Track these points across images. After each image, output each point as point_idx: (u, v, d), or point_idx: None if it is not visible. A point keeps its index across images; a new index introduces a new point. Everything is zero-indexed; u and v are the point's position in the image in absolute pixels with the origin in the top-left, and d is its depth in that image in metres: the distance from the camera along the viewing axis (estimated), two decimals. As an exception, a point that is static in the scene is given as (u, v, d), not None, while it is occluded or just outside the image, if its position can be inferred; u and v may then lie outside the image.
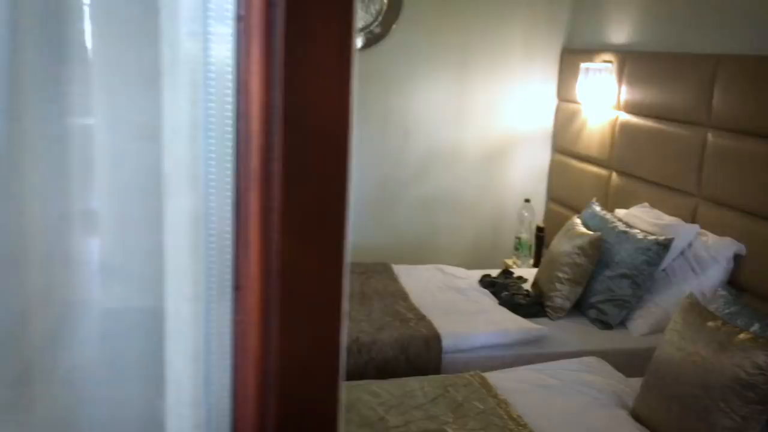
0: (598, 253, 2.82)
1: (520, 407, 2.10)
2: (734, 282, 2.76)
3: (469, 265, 3.58)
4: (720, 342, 1.86)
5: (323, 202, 0.60)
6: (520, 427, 1.99)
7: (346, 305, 0.62)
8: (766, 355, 1.74)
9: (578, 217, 3.14)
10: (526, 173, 4.34)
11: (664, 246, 2.76)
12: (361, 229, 4.18)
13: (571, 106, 4.12)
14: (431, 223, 4.24)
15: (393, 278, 3.17)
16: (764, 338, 1.83)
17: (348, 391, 2.15)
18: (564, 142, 4.22)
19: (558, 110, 4.29)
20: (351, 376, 2.41)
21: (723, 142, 2.95)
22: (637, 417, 2.07)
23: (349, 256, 0.62)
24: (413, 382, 2.26)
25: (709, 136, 3.02)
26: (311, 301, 0.62)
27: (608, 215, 3.06)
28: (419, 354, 2.55)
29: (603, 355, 2.59)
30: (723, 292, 2.18)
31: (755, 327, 1.96)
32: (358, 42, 3.97)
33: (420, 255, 3.98)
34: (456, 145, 4.18)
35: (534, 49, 4.19)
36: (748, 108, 2.81)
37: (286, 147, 0.57)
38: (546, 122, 4.32)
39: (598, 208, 3.14)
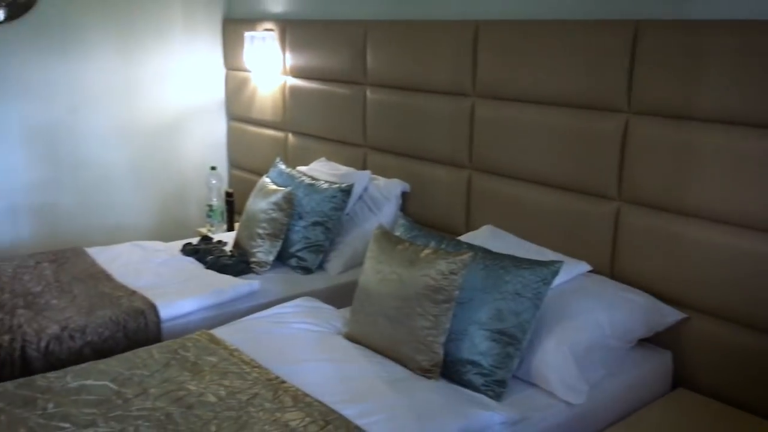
0: (292, 206, 3.07)
1: (251, 352, 2.25)
2: (405, 213, 3.24)
3: (164, 239, 3.56)
4: (410, 259, 2.23)
5: None
6: (255, 368, 2.14)
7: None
8: (446, 263, 2.14)
9: (267, 177, 3.34)
10: (206, 143, 4.42)
11: (347, 192, 3.12)
12: (27, 217, 3.86)
13: (240, 74, 4.28)
14: (112, 203, 4.08)
15: (90, 262, 3.02)
16: (442, 250, 2.24)
17: (72, 376, 2.07)
18: (238, 110, 4.38)
19: (228, 79, 4.43)
20: (69, 362, 2.30)
21: (379, 98, 3.41)
22: (351, 338, 2.37)
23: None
24: (141, 353, 2.24)
25: (368, 93, 3.46)
26: None
27: (294, 171, 3.32)
28: (137, 328, 2.52)
29: (310, 296, 2.86)
30: (403, 221, 2.57)
31: (432, 244, 2.38)
32: None
33: (108, 237, 3.82)
34: (129, 119, 4.07)
35: (194, 20, 4.23)
36: (395, 66, 3.28)
37: None
38: (217, 92, 4.42)
39: (283, 167, 3.38)
